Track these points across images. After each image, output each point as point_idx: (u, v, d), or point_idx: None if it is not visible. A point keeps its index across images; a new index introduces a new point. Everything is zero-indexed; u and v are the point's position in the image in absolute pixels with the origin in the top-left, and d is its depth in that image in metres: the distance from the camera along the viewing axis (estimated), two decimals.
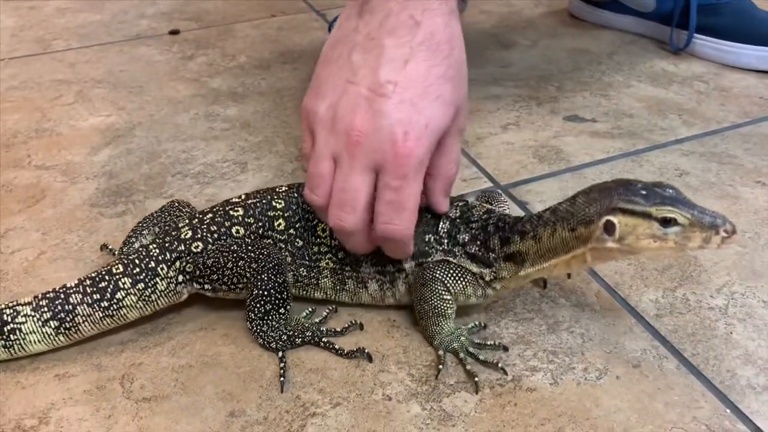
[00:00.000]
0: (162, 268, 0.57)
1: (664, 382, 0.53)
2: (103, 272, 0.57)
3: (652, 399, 0.52)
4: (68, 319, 0.55)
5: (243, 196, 0.60)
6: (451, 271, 0.56)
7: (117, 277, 0.56)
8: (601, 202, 0.51)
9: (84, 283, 0.56)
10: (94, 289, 0.55)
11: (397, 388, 0.53)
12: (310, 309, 0.60)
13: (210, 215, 0.59)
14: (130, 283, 0.56)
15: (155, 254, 0.57)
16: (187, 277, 0.58)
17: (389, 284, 0.59)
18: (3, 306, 0.55)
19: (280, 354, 0.55)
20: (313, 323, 0.58)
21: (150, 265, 0.57)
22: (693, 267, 0.64)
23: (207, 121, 0.90)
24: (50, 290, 0.56)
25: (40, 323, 0.55)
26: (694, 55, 1.04)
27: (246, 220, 0.58)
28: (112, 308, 0.56)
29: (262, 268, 0.55)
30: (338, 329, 0.58)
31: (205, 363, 0.55)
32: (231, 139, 0.86)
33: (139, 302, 0.57)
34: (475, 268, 0.56)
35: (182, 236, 0.58)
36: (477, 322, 0.58)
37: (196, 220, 0.59)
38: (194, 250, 0.58)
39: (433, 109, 0.50)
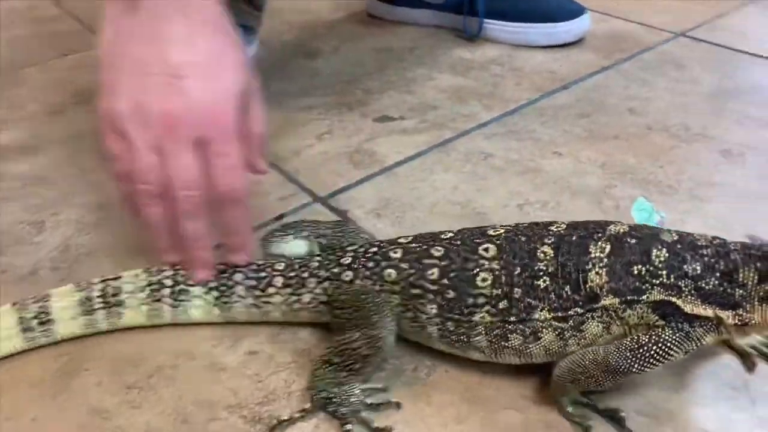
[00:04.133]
0: (310, 282, 0.56)
1: None
2: (268, 264, 0.58)
3: None
4: (227, 293, 0.57)
5: (410, 238, 0.56)
6: (683, 337, 0.47)
7: (275, 273, 0.57)
8: None
9: (250, 266, 0.58)
10: (254, 275, 0.57)
11: None
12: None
13: (374, 249, 0.56)
14: (282, 284, 0.57)
15: (313, 266, 0.57)
16: (329, 300, 0.56)
17: (573, 330, 0.50)
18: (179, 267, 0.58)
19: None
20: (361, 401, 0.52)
21: (303, 275, 0.57)
22: None
23: None
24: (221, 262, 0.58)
25: (206, 289, 0.57)
26: (489, 39, 1.09)
27: (401, 264, 0.54)
28: (260, 299, 0.57)
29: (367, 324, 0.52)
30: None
31: None
32: (23, 198, 0.78)
33: (283, 305, 0.57)
34: (707, 311, 0.47)
35: (341, 260, 0.57)
36: None
37: (362, 249, 0.57)
38: (344, 278, 0.55)
39: (231, 75, 0.53)
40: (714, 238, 0.49)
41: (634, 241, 0.49)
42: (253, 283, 0.57)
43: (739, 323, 0.46)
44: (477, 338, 0.52)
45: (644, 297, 0.47)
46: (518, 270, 0.50)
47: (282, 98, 0.97)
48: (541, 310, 0.50)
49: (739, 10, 1.13)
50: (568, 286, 0.49)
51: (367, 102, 0.95)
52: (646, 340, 0.47)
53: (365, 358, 0.51)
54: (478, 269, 0.51)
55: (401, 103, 0.94)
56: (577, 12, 1.05)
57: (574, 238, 0.50)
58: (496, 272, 0.51)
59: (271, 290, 0.57)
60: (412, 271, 0.53)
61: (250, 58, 1.01)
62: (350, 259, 0.56)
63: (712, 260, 0.47)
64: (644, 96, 0.91)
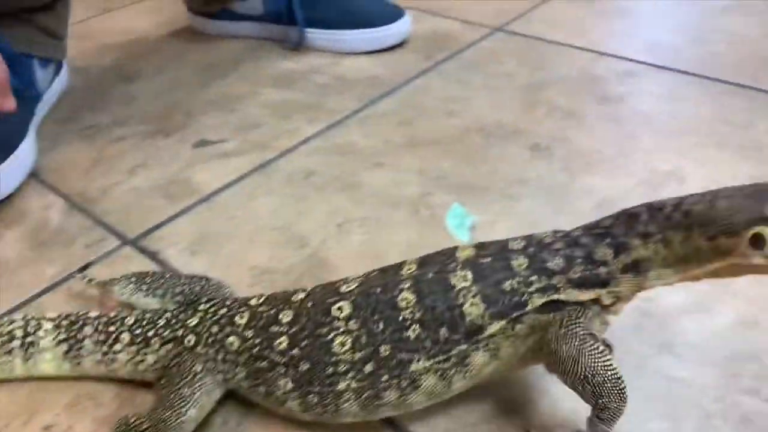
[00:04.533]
0: (155, 343, 0.53)
1: None
2: (120, 317, 0.55)
3: None
4: (76, 347, 0.54)
5: (263, 299, 0.52)
6: (590, 316, 0.46)
7: (123, 329, 0.54)
8: (748, 209, 0.43)
9: (100, 319, 0.55)
10: (104, 329, 0.54)
11: None
12: None
13: (224, 310, 0.52)
14: (128, 340, 0.53)
15: (160, 324, 0.53)
16: (165, 365, 0.52)
17: (456, 367, 0.46)
18: (30, 317, 0.56)
19: None
20: None
21: (149, 333, 0.53)
22: (321, 268, 0.66)
23: None
24: (74, 313, 0.56)
25: (54, 342, 0.54)
26: (313, 48, 1.08)
27: (245, 333, 0.50)
28: (107, 356, 0.54)
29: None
30: None
31: None
32: None
33: (129, 364, 0.53)
34: (587, 295, 0.46)
35: (188, 321, 0.52)
36: None
37: (213, 308, 0.53)
38: (186, 343, 0.51)
39: None
40: (555, 232, 0.49)
41: (488, 260, 0.47)
42: (102, 337, 0.54)
43: (615, 298, 0.47)
44: (346, 405, 0.47)
45: (528, 308, 0.46)
46: (380, 325, 0.47)
47: (94, 130, 0.91)
48: (417, 361, 0.46)
49: (551, 0, 1.18)
50: (443, 328, 0.46)
51: (187, 126, 0.91)
52: (574, 351, 0.45)
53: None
54: (333, 333, 0.47)
55: (223, 125, 0.91)
56: (396, 15, 1.06)
57: (430, 275, 0.47)
58: (354, 334, 0.47)
59: (117, 347, 0.54)
60: (258, 340, 0.49)
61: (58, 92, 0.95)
62: (197, 320, 0.52)
63: (568, 251, 0.47)
64: (462, 96, 0.93)
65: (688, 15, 1.10)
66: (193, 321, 0.52)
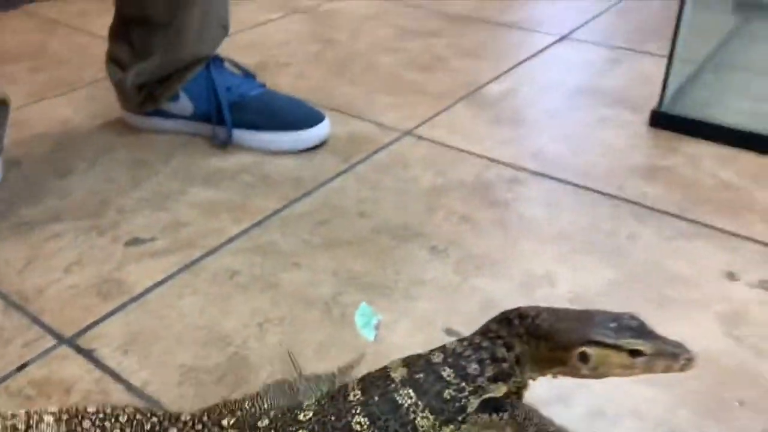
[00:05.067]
0: None
1: None
2: (113, 414, 0.60)
3: None
4: None
5: (232, 421, 0.59)
6: (521, 407, 0.58)
7: (116, 427, 0.60)
8: (578, 331, 0.56)
9: (98, 414, 0.61)
10: (101, 424, 0.60)
11: None
12: None
13: (199, 427, 0.59)
14: None
15: (147, 429, 0.60)
16: None
17: None
18: (33, 411, 0.60)
19: None
20: None
21: None
22: (242, 367, 0.75)
23: None
24: (73, 407, 0.61)
25: None
26: (241, 146, 1.18)
27: None
28: None
29: None
30: None
31: None
32: None
33: None
34: (505, 387, 0.57)
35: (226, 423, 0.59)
36: None
37: (188, 427, 0.59)
38: None
39: None
40: (460, 341, 0.60)
41: (421, 375, 0.57)
42: None
43: (518, 386, 0.58)
44: None
45: (468, 410, 0.56)
46: None
47: (29, 226, 0.97)
48: None
49: (453, 107, 1.33)
50: None
51: (120, 223, 0.98)
52: (532, 428, 0.58)
53: None
54: None
55: (154, 223, 0.99)
56: (317, 119, 1.18)
57: (376, 398, 0.56)
58: None
59: None
60: None
61: None
62: None
63: (476, 355, 0.57)
64: (374, 198, 1.05)
65: (571, 125, 1.28)
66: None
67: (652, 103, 1.25)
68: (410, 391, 0.56)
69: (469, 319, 0.81)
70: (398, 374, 0.58)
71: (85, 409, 0.62)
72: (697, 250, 0.93)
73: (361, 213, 1.02)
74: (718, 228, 0.97)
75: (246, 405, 0.63)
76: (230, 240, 0.96)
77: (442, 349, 0.60)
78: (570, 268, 0.90)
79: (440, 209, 1.03)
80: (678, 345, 0.55)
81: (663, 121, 1.22)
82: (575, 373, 0.57)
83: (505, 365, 0.57)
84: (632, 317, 0.58)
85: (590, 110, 1.32)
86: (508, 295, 0.85)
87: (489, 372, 0.57)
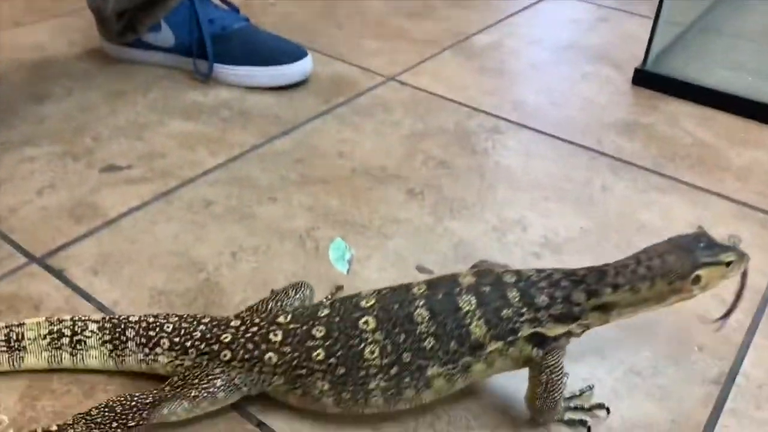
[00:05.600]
0: (192, 352, 0.61)
1: None
2: (158, 322, 0.63)
3: None
4: (120, 347, 0.63)
5: (289, 317, 0.61)
6: (560, 354, 0.60)
7: (163, 335, 0.62)
8: (688, 258, 0.60)
9: (141, 323, 0.63)
10: (144, 333, 0.63)
11: None
12: None
13: (254, 329, 0.61)
14: (167, 346, 0.62)
15: (196, 336, 0.61)
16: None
17: (461, 373, 0.59)
18: (77, 318, 0.64)
19: None
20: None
21: (186, 344, 0.61)
22: (214, 292, 0.76)
23: None
24: (116, 316, 0.64)
25: (100, 342, 0.63)
26: (222, 82, 1.17)
27: (282, 349, 0.59)
28: (149, 357, 0.62)
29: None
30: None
31: None
32: None
33: (168, 366, 0.62)
34: (563, 329, 0.60)
35: (222, 337, 0.61)
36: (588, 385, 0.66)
37: (243, 327, 0.61)
38: (222, 357, 0.60)
39: None
40: (539, 271, 0.62)
41: (488, 288, 0.60)
42: (143, 341, 0.63)
43: (583, 330, 0.61)
44: (373, 399, 0.59)
45: (519, 335, 0.59)
46: (402, 337, 0.58)
47: (2, 148, 0.96)
48: (432, 367, 0.58)
49: (439, 55, 1.33)
50: (453, 342, 0.58)
51: (95, 150, 0.97)
52: (545, 377, 0.60)
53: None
54: (363, 344, 0.58)
55: (130, 151, 0.98)
56: (299, 54, 1.16)
57: (440, 296, 0.59)
58: (381, 343, 0.58)
59: (158, 350, 0.62)
60: (296, 354, 0.59)
61: None
62: (230, 336, 0.61)
63: (551, 290, 0.60)
64: (354, 140, 1.05)
65: (554, 79, 1.27)
66: (227, 337, 0.61)
67: (636, 63, 1.25)
68: (473, 298, 0.59)
69: (441, 258, 0.83)
70: (466, 281, 0.61)
71: (128, 318, 0.63)
72: (669, 203, 0.94)
73: (340, 153, 1.02)
74: (691, 184, 0.98)
75: (270, 305, 0.66)
76: (207, 172, 0.95)
77: (518, 272, 0.62)
78: (542, 215, 0.91)
79: (419, 154, 1.03)
80: (735, 246, 0.62)
81: (645, 79, 1.22)
82: (687, 297, 0.62)
83: (576, 309, 0.60)
84: (703, 234, 0.63)
85: (574, 66, 1.32)
86: (480, 237, 0.86)
87: (555, 310, 0.59)
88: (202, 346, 0.61)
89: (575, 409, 0.64)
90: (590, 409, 0.65)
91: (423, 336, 0.58)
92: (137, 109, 1.08)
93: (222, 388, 0.60)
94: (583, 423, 0.63)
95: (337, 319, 0.60)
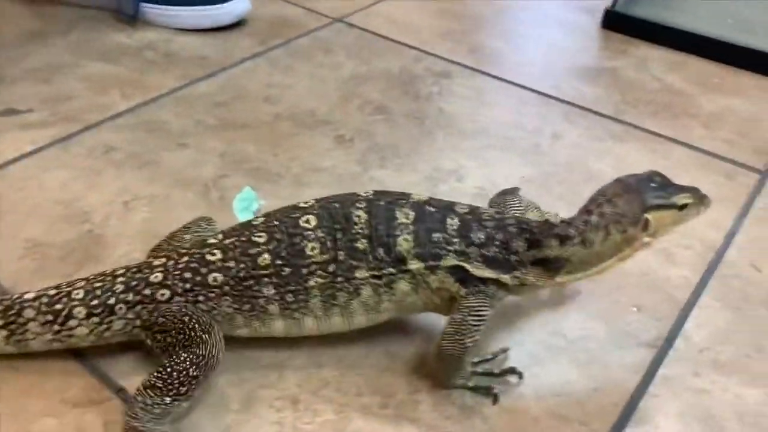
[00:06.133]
0: (120, 308, 0.54)
1: None
2: (63, 293, 0.54)
3: None
4: (19, 331, 0.54)
5: (220, 236, 0.57)
6: (484, 300, 0.54)
7: (74, 303, 0.54)
8: (637, 200, 0.53)
9: (41, 299, 0.54)
10: (48, 309, 0.54)
11: None
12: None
13: (186, 258, 0.55)
14: (85, 315, 0.54)
15: (119, 290, 0.54)
16: (144, 324, 0.54)
17: (386, 287, 0.55)
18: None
19: None
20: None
21: (109, 302, 0.54)
22: (96, 244, 0.68)
23: None
24: (8, 297, 0.55)
25: None
26: (150, 23, 1.07)
27: (225, 264, 0.54)
28: (61, 334, 0.54)
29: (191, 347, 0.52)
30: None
31: None
32: None
33: (91, 336, 0.55)
34: (491, 274, 0.54)
35: (150, 278, 0.54)
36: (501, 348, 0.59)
37: (172, 261, 0.55)
38: (160, 298, 0.54)
39: None
40: (497, 212, 0.57)
41: (433, 209, 0.56)
42: (50, 318, 0.54)
43: (518, 283, 0.55)
44: (313, 301, 0.55)
45: (441, 262, 0.54)
46: (340, 234, 0.55)
47: None
48: (360, 270, 0.55)
49: None
50: (381, 249, 0.55)
51: None
52: (459, 317, 0.54)
53: (193, 380, 0.51)
54: (305, 241, 0.55)
55: (34, 94, 0.89)
56: None
57: (381, 203, 0.56)
58: (322, 240, 0.55)
59: (72, 323, 0.54)
60: (242, 265, 0.55)
61: None
62: (160, 275, 0.54)
63: (493, 231, 0.55)
64: (285, 83, 0.95)
65: (518, 23, 1.17)
66: (157, 277, 0.54)
67: (607, 4, 1.15)
68: (411, 213, 0.55)
69: None
70: (415, 198, 0.57)
71: (21, 297, 0.54)
72: (626, 152, 0.85)
73: (267, 97, 0.92)
74: (652, 131, 0.89)
75: (187, 236, 0.62)
76: (115, 116, 0.87)
77: (473, 206, 0.57)
78: (482, 164, 0.82)
79: (356, 98, 0.93)
80: (695, 188, 0.55)
81: (616, 21, 1.12)
82: (640, 248, 0.54)
83: (512, 257, 0.54)
84: (657, 173, 0.56)
85: (542, 10, 1.21)
86: (409, 187, 0.75)
87: (489, 251, 0.55)
88: (130, 297, 0.54)
89: (483, 374, 0.56)
90: (501, 374, 0.56)
91: (357, 236, 0.55)
92: (53, 50, 0.99)
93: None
94: (488, 390, 0.55)
95: (275, 222, 0.56)
